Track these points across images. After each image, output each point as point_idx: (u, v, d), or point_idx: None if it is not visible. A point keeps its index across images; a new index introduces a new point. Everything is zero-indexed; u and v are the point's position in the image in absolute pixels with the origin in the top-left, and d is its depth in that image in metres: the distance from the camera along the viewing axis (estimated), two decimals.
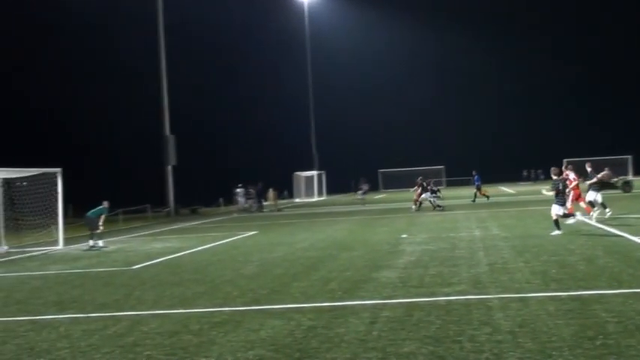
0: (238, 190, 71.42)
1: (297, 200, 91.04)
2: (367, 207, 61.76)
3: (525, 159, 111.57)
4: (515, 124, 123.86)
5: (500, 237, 28.05)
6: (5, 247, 35.26)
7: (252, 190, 68.71)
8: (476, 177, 62.28)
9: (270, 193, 70.47)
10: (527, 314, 13.38)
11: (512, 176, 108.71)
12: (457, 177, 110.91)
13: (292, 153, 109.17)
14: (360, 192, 69.53)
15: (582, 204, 33.30)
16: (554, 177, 28.86)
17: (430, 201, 50.47)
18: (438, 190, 53.82)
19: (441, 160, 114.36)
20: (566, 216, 28.84)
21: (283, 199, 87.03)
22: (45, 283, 22.19)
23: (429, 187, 51.52)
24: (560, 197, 28.17)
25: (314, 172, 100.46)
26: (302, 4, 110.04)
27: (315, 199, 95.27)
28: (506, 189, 41.41)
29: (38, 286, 21.76)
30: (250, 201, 68.53)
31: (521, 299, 14.87)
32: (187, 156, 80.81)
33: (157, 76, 71.60)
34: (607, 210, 33.43)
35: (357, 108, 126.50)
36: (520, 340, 11.52)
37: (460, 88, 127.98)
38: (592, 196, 34.36)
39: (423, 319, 13.44)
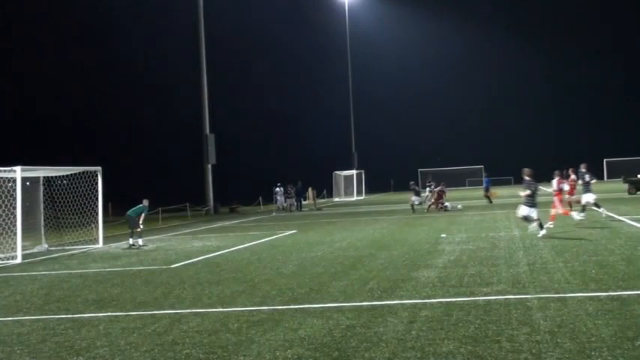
0: (277, 189, 71.53)
1: (336, 199, 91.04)
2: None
3: (565, 159, 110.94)
4: (555, 124, 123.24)
5: (539, 237, 27.86)
6: (46, 246, 35.50)
7: (291, 189, 68.78)
8: (485, 179, 62.10)
9: (310, 192, 70.56)
10: (567, 314, 13.31)
11: (551, 176, 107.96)
12: (496, 177, 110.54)
13: (332, 152, 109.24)
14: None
15: (559, 210, 32.82)
16: (527, 178, 28.81)
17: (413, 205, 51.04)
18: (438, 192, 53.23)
19: (480, 159, 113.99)
20: (526, 219, 28.53)
21: (322, 198, 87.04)
22: (84, 282, 22.32)
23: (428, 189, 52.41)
24: (530, 199, 28.13)
25: (353, 172, 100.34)
26: (343, 4, 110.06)
27: (355, 198, 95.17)
28: (546, 189, 41.16)
29: (78, 284, 21.89)
30: (289, 200, 68.61)
31: (560, 299, 14.80)
32: (227, 155, 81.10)
33: (198, 75, 71.90)
34: (582, 214, 33.49)
35: (396, 107, 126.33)
36: (559, 340, 11.46)
37: (501, 89, 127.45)
38: (586, 198, 34.38)
39: (462, 319, 13.40)
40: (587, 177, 34.85)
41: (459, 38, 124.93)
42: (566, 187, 35.26)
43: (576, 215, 32.58)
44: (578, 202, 35.20)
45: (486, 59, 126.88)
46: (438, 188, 51.97)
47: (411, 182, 55.01)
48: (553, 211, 32.27)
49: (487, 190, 59.29)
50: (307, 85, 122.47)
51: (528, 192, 28.00)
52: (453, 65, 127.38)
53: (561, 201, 33.01)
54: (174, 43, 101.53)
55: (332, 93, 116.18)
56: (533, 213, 28.04)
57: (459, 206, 42.05)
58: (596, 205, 34.96)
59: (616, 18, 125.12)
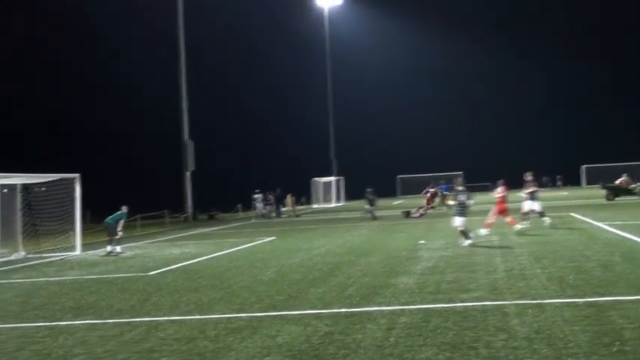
0: (256, 195, 71.41)
1: (315, 206, 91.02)
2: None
3: (545, 165, 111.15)
4: (534, 130, 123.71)
5: (517, 243, 28.00)
6: (23, 253, 35.35)
7: (270, 196, 68.73)
8: (443, 186, 61.95)
9: (289, 198, 70.51)
10: (544, 320, 13.37)
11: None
12: (476, 183, 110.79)
13: (311, 159, 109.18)
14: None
15: (508, 218, 32.95)
16: (460, 188, 29.43)
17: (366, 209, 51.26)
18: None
19: (459, 165, 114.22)
20: (463, 233, 28.59)
21: (301, 204, 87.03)
22: (62, 289, 22.25)
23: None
24: (460, 208, 28.54)
25: (332, 178, 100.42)
26: (322, 10, 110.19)
27: (334, 204, 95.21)
28: (525, 195, 41.25)
29: (55, 291, 21.82)
30: (268, 207, 68.56)
31: (537, 305, 14.86)
32: (206, 161, 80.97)
33: (177, 82, 71.83)
34: (524, 222, 33.82)
35: (375, 113, 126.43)
36: (536, 346, 11.51)
37: (481, 95, 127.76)
38: (528, 205, 34.62)
39: (440, 326, 13.44)
40: (532, 186, 35.34)
41: (440, 44, 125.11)
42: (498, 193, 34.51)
43: (519, 225, 32.72)
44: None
45: (466, 65, 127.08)
46: (433, 190, 52.28)
47: (368, 189, 53.78)
48: (491, 219, 32.35)
49: (444, 197, 58.28)
50: (287, 92, 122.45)
51: (454, 202, 28.83)
52: (432, 71, 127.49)
53: (503, 210, 32.65)
54: (154, 49, 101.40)
55: (311, 99, 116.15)
56: (461, 222, 28.45)
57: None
58: (541, 213, 35.20)
59: (598, 26, 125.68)
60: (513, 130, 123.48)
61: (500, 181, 33.07)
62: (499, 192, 32.81)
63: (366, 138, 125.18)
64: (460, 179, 30.63)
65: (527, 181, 36.08)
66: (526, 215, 34.97)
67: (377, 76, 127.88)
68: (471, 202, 29.93)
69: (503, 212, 32.68)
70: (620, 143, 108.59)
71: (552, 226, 34.24)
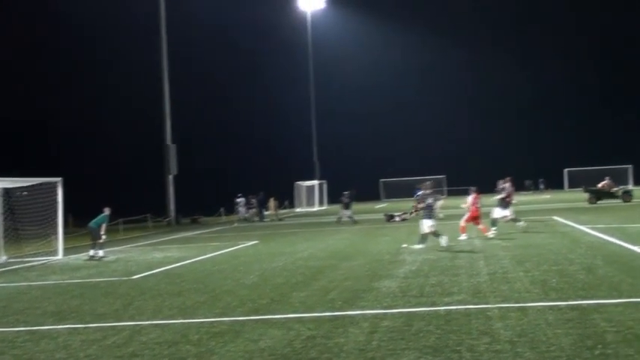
0: (239, 199, 71.33)
1: (298, 210, 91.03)
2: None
3: (528, 168, 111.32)
4: (516, 134, 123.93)
5: (500, 246, 28.04)
6: (4, 257, 35.23)
7: (253, 200, 68.67)
8: (416, 192, 61.72)
9: (271, 202, 70.45)
10: (527, 324, 13.40)
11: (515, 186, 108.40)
12: (458, 186, 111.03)
13: (293, 163, 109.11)
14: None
15: (480, 226, 33.04)
16: (427, 191, 29.82)
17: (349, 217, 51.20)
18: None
19: (442, 169, 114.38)
20: (435, 235, 28.86)
21: (284, 208, 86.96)
22: (44, 294, 22.17)
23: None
24: (427, 211, 28.90)
25: (315, 182, 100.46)
26: (304, 14, 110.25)
27: (317, 208, 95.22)
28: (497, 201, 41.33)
29: (37, 296, 21.75)
30: (251, 211, 68.52)
31: (520, 309, 14.89)
32: (188, 165, 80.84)
33: (159, 84, 71.70)
34: (493, 229, 33.57)
35: (358, 117, 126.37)
36: (519, 349, 11.53)
37: (464, 98, 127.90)
38: (499, 213, 34.73)
39: (423, 329, 13.45)
40: (504, 192, 35.52)
41: (423, 45, 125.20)
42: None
43: (491, 233, 32.80)
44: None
45: (449, 68, 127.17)
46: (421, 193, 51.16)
47: (344, 192, 53.16)
48: (480, 226, 32.35)
49: (418, 203, 55.65)
50: (270, 95, 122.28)
51: (424, 204, 29.17)
52: (415, 74, 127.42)
53: (475, 217, 32.56)
54: (137, 54, 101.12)
55: (295, 103, 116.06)
56: (428, 225, 28.76)
57: (441, 215, 42.14)
58: (514, 219, 35.34)
59: (583, 27, 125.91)
60: (496, 133, 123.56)
61: (473, 189, 33.02)
62: (469, 201, 32.86)
63: (349, 141, 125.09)
64: (428, 183, 30.82)
65: (499, 189, 36.25)
66: (495, 221, 34.83)
67: (360, 79, 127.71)
68: (440, 202, 31.08)
69: (475, 219, 32.77)
70: (602, 147, 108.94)
71: (535, 230, 34.35)
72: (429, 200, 29.09)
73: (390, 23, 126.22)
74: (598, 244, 27.14)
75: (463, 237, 31.50)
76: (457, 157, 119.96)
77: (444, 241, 28.14)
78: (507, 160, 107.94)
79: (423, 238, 28.98)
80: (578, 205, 57.13)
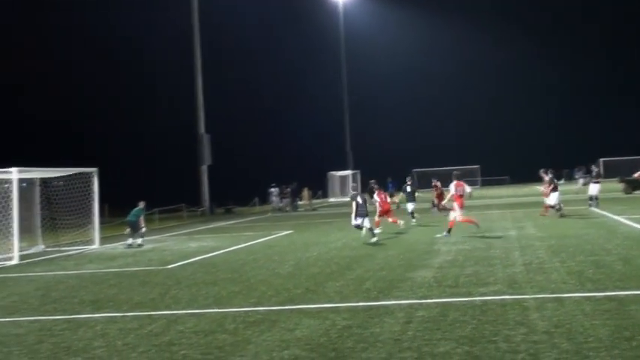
0: (273, 189, 71.37)
1: (331, 200, 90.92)
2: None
3: (563, 159, 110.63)
4: (552, 123, 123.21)
5: (536, 237, 27.90)
6: (42, 247, 35.52)
7: (286, 190, 68.68)
8: (390, 184, 60.93)
9: (305, 192, 70.48)
10: (563, 314, 13.33)
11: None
12: (493, 177, 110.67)
13: (327, 152, 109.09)
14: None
15: (390, 219, 33.86)
16: (354, 192, 31.71)
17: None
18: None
19: (476, 159, 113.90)
20: (358, 227, 30.18)
21: (317, 198, 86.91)
22: (81, 282, 22.32)
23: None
24: (361, 209, 29.98)
25: (348, 172, 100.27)
26: (336, 3, 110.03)
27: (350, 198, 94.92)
28: (542, 188, 40.94)
29: (74, 285, 21.89)
30: (285, 200, 68.54)
31: (557, 299, 14.81)
32: (222, 155, 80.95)
33: (193, 75, 71.85)
34: (413, 220, 35.96)
35: (392, 107, 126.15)
36: (556, 340, 11.48)
37: (497, 87, 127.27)
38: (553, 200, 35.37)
39: (459, 319, 13.42)
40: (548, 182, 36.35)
41: (456, 37, 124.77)
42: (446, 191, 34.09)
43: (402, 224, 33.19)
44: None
45: (484, 58, 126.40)
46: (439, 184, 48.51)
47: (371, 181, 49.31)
48: (452, 216, 31.63)
49: (391, 195, 52.78)
50: (302, 85, 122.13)
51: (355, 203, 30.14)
52: (449, 63, 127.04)
53: (461, 206, 32.05)
54: (170, 43, 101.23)
55: (327, 93, 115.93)
56: (365, 222, 29.73)
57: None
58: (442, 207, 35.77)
59: (613, 18, 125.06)
60: (531, 123, 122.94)
61: (455, 173, 32.39)
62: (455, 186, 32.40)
63: (383, 132, 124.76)
64: (354, 184, 31.75)
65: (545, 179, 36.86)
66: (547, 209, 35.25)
67: (393, 69, 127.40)
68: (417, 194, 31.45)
69: (387, 213, 34.12)
70: (639, 136, 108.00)
71: (570, 220, 34.20)
72: (359, 199, 30.34)
73: (422, 13, 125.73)
74: (634, 234, 26.96)
75: (375, 237, 30.95)
76: (491, 147, 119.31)
77: (364, 233, 29.93)
78: (543, 150, 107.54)
79: (367, 229, 29.96)
80: (613, 195, 56.69)
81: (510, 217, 38.50)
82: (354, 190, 30.87)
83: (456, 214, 30.30)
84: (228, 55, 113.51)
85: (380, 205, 34.02)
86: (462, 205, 30.79)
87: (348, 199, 56.15)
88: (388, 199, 33.95)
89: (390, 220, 33.30)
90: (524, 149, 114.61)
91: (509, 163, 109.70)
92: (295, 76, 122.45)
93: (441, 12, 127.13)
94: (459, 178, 31.01)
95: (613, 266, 18.86)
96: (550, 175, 38.44)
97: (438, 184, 46.21)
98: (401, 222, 33.92)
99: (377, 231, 31.40)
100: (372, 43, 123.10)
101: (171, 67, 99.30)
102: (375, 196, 34.48)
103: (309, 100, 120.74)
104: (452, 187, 30.71)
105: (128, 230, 35.69)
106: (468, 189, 31.44)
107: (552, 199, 37.35)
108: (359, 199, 30.30)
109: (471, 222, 30.62)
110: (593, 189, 42.43)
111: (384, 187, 40.07)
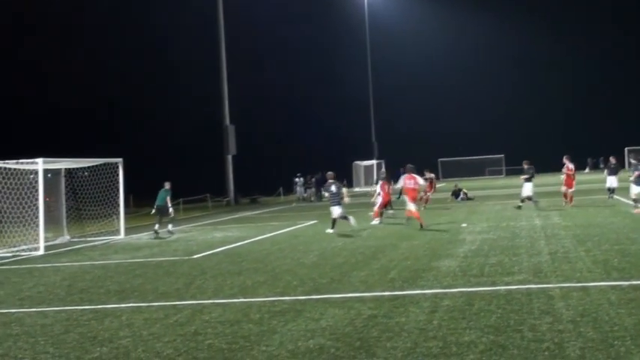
0: (297, 179, 71.43)
1: (356, 189, 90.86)
2: None
3: (587, 148, 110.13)
4: (576, 113, 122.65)
5: (561, 226, 27.83)
6: (67, 237, 35.70)
7: (311, 180, 68.66)
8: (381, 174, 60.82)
9: (344, 191, 70.52)
10: (589, 303, 13.30)
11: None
12: (517, 166, 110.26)
13: (352, 142, 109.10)
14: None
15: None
16: (330, 180, 32.06)
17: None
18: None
19: (501, 148, 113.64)
20: (344, 218, 31.19)
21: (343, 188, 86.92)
22: (107, 273, 22.43)
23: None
24: (335, 198, 31.39)
25: (373, 162, 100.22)
26: None
27: (375, 188, 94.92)
28: (564, 175, 40.73)
29: (100, 275, 22.00)
30: (309, 190, 68.54)
31: (582, 288, 14.79)
32: (247, 146, 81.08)
33: (218, 66, 71.94)
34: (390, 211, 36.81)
35: (417, 96, 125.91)
36: (582, 329, 11.46)
37: (526, 76, 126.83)
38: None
39: (484, 309, 13.41)
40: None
41: (481, 26, 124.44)
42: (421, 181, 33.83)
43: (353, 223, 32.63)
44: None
45: (509, 48, 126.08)
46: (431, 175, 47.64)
47: (381, 172, 45.89)
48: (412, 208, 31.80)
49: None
50: (327, 75, 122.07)
51: (329, 193, 32.05)
52: (474, 54, 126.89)
53: (413, 200, 31.83)
54: (195, 34, 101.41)
55: (352, 83, 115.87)
56: (338, 211, 31.12)
57: (347, 200, 41.22)
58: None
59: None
60: (556, 112, 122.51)
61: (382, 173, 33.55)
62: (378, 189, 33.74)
63: (408, 122, 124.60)
64: (331, 173, 31.58)
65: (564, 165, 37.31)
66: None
67: (418, 60, 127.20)
68: (343, 191, 33.87)
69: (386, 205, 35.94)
70: None
71: (595, 209, 34.04)
72: (333, 188, 31.55)
73: (447, 2, 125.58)
74: None
75: (352, 222, 31.47)
76: (516, 137, 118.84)
77: (352, 221, 30.85)
78: (568, 139, 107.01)
79: (333, 223, 31.18)
80: None
81: (535, 206, 38.32)
82: (331, 178, 31.23)
83: (411, 207, 31.16)
84: (254, 45, 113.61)
85: (382, 197, 35.12)
86: (414, 199, 31.80)
87: (371, 189, 55.77)
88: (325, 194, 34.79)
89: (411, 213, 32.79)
90: (550, 138, 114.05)
91: (535, 152, 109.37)
92: (322, 66, 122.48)
93: (465, 1, 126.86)
94: (412, 172, 31.85)
95: (638, 255, 18.80)
96: (527, 166, 38.61)
97: (432, 176, 46.84)
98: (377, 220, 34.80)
99: (375, 222, 33.39)
100: (397, 34, 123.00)
101: (197, 58, 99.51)
102: (379, 187, 34.62)
103: (334, 90, 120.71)
104: (401, 180, 32.11)
105: (154, 212, 35.94)
106: (420, 181, 32.49)
107: (526, 190, 37.54)
108: (332, 188, 31.55)
109: (417, 218, 30.84)
110: (612, 181, 42.12)
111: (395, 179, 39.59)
